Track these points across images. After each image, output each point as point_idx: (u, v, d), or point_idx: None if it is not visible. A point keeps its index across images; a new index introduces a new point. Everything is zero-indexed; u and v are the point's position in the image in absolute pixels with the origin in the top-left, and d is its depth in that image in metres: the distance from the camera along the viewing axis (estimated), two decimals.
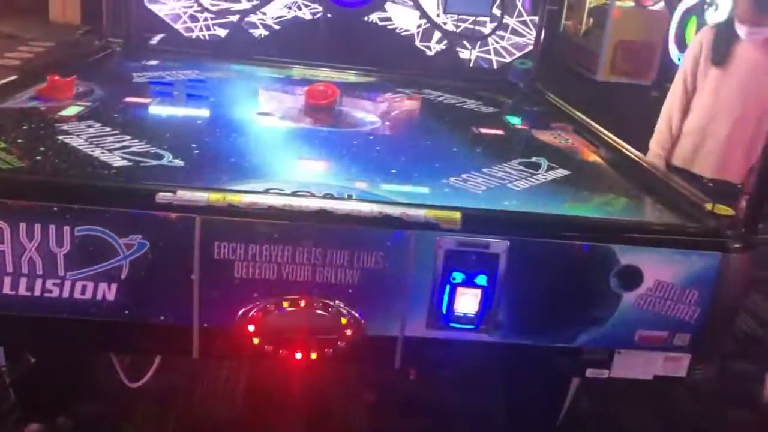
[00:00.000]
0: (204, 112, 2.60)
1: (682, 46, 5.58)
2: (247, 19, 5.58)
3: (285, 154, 2.22)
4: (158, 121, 2.47)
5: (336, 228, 1.65)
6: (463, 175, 2.11)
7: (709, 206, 1.89)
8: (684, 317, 1.78)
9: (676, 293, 1.76)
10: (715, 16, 5.36)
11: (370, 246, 1.66)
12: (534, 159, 2.33)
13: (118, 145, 2.02)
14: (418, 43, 6.90)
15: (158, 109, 2.59)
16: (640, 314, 1.77)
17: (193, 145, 2.13)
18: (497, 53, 6.90)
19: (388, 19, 7.07)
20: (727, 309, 1.81)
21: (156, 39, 4.97)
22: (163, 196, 1.60)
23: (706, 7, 5.49)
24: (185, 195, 1.61)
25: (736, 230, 1.76)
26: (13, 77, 2.50)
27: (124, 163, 1.91)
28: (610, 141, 2.59)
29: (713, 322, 1.79)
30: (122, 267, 1.62)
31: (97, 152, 1.96)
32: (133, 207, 1.61)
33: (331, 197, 1.78)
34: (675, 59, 5.67)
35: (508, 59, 6.64)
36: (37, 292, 1.62)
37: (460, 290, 1.71)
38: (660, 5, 8.56)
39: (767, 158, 1.74)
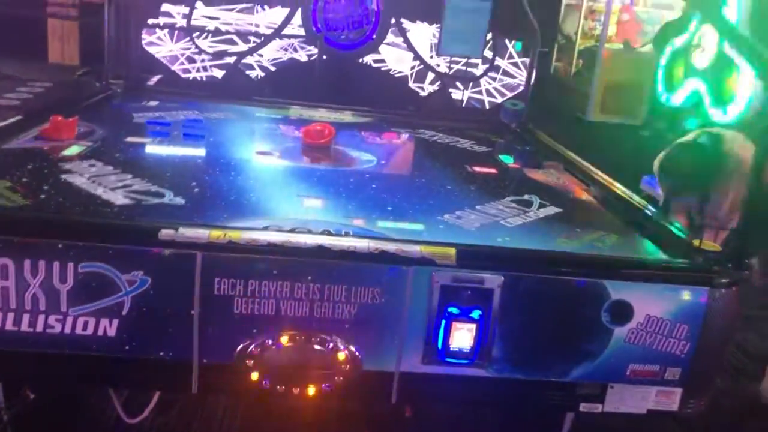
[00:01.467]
0: (203, 152, 2.66)
1: (670, 87, 5.72)
2: (243, 61, 5.68)
3: (283, 192, 2.27)
4: (159, 160, 2.52)
5: (334, 264, 1.69)
6: (457, 212, 2.16)
7: (696, 243, 1.94)
8: (675, 351, 1.81)
9: (666, 328, 1.79)
10: (702, 57, 5.50)
11: (367, 282, 1.70)
12: (526, 197, 2.39)
13: (120, 184, 2.07)
14: (411, 84, 7.05)
15: (158, 149, 2.64)
16: (632, 349, 1.80)
17: (194, 184, 2.18)
18: (489, 94, 7.04)
19: (383, 60, 7.23)
20: (716, 344, 1.85)
21: (153, 80, 5.05)
22: (165, 233, 1.64)
23: (692, 49, 5.63)
24: (187, 232, 1.65)
25: (722, 266, 1.81)
26: (18, 117, 2.56)
27: (127, 201, 1.95)
28: (601, 179, 2.65)
29: (703, 357, 1.83)
30: (124, 303, 1.65)
31: (99, 191, 2.00)
32: (136, 244, 1.65)
33: (329, 234, 1.82)
34: (663, 100, 5.80)
35: (500, 100, 6.77)
36: (39, 328, 1.65)
37: (455, 325, 1.74)
38: (648, 47, 8.77)
39: (750, 198, 1.80)
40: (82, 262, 1.62)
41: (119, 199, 1.96)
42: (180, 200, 2.01)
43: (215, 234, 1.66)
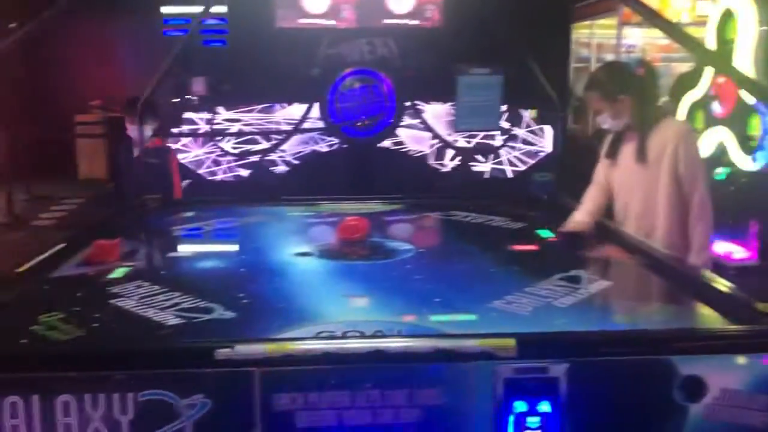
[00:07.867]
0: (245, 259, 2.67)
1: None
2: (267, 158, 5.77)
3: (329, 293, 2.26)
4: (203, 274, 2.53)
5: (392, 367, 1.66)
6: (507, 297, 2.12)
7: (760, 306, 1.88)
8: (756, 423, 1.73)
9: (743, 399, 1.72)
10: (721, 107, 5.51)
11: (427, 382, 1.66)
12: (573, 272, 2.35)
13: (168, 304, 2.08)
14: (432, 162, 7.13)
15: (200, 262, 2.66)
16: (711, 426, 1.71)
17: (241, 295, 2.18)
18: (511, 163, 7.10)
19: (401, 143, 7.36)
20: None
21: (183, 184, 5.13)
22: (222, 353, 1.62)
23: (709, 100, 5.66)
24: (244, 349, 1.63)
25: None
26: (62, 245, 2.60)
27: (178, 321, 1.95)
28: (643, 246, 2.61)
29: None
30: (185, 429, 1.62)
31: (150, 312, 2.01)
32: (194, 366, 1.63)
33: (382, 335, 1.79)
34: None
35: (522, 167, 6.81)
36: None
37: (523, 420, 1.68)
38: (662, 100, 8.82)
39: None
40: (142, 391, 1.60)
41: (170, 319, 1.96)
42: (230, 314, 2.00)
43: (272, 348, 1.64)
